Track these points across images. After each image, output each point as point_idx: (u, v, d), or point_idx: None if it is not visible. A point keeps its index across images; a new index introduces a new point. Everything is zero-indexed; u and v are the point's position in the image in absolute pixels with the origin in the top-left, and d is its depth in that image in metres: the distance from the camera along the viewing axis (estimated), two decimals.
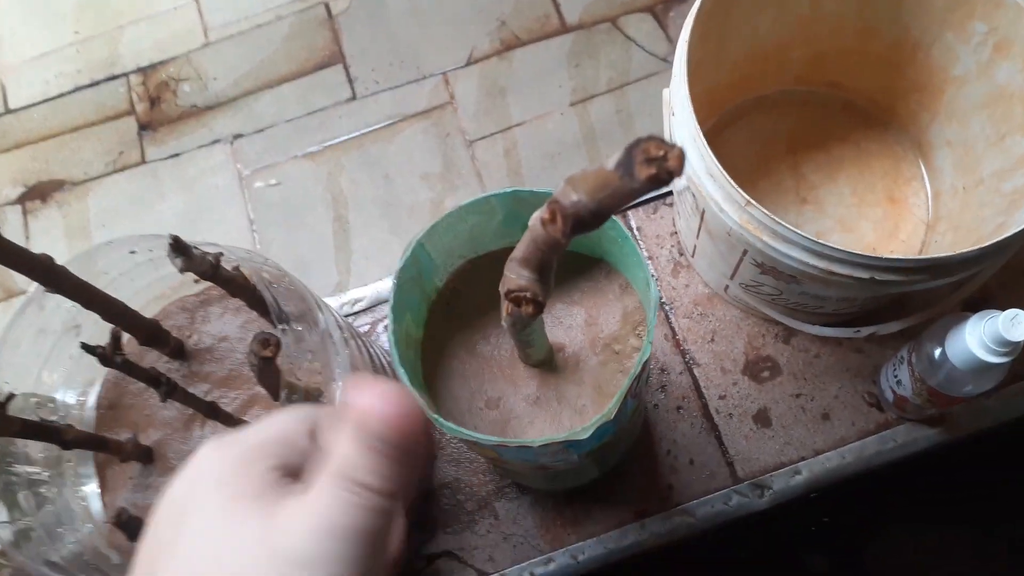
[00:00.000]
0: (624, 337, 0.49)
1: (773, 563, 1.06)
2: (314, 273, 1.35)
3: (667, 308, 0.71)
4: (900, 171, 0.72)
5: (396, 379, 0.44)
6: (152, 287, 0.61)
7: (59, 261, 1.42)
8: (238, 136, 1.46)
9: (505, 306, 0.36)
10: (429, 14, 1.52)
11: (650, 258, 0.73)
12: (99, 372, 0.63)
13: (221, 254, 0.51)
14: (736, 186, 0.51)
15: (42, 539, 0.54)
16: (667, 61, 1.46)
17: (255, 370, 0.46)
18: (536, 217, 0.31)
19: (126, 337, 0.58)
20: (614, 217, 0.49)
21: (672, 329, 0.71)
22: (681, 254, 0.73)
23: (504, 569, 0.66)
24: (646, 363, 0.42)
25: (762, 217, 0.50)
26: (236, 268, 0.54)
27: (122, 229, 1.41)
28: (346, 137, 1.44)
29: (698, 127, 0.52)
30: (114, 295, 0.58)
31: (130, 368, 0.50)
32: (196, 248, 0.49)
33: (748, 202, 0.51)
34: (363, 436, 0.22)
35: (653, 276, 0.52)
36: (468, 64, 1.48)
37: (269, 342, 0.45)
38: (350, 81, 1.48)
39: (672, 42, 1.48)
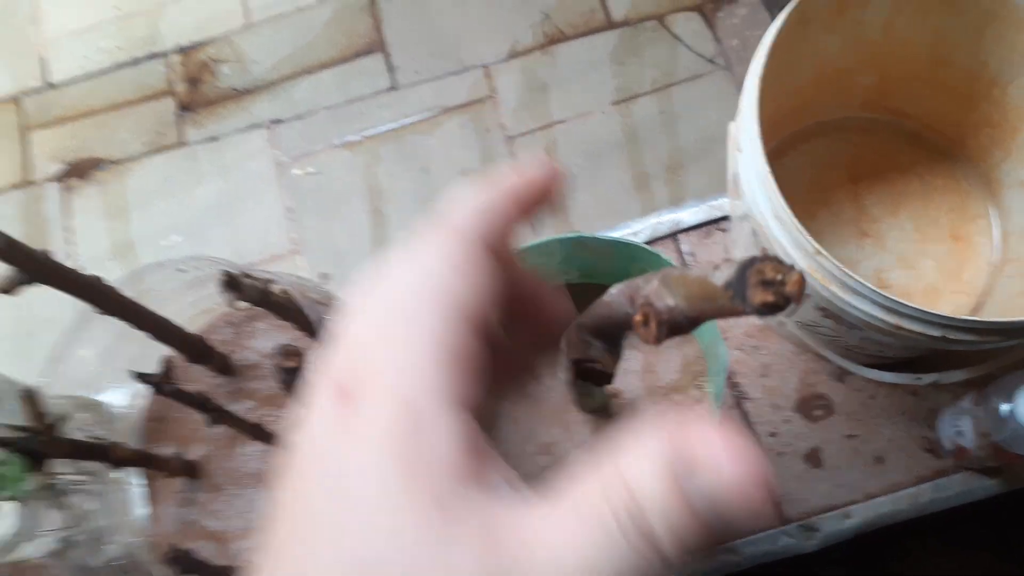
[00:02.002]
0: (684, 387, 0.48)
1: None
2: (350, 265, 1.35)
3: None
4: (966, 208, 0.70)
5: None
6: (199, 302, 0.60)
7: (99, 241, 1.43)
8: (276, 121, 1.45)
9: (570, 370, 0.35)
10: (472, 4, 1.49)
11: None
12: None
13: (271, 280, 0.50)
14: (806, 234, 0.49)
15: (87, 548, 0.54)
16: (714, 63, 1.43)
17: (281, 383, 0.45)
18: (616, 293, 0.29)
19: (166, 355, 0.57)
20: (662, 255, 0.47)
21: None
22: None
23: None
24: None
25: (831, 267, 0.49)
26: (283, 292, 0.53)
27: (159, 211, 1.41)
28: (385, 128, 1.42)
29: (768, 167, 0.50)
30: (163, 309, 0.57)
31: (181, 396, 0.49)
32: (247, 276, 0.48)
33: (818, 251, 0.49)
34: (687, 486, 0.15)
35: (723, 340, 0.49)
36: (510, 57, 1.46)
37: (292, 353, 0.44)
38: (390, 70, 1.46)
39: (720, 42, 1.45)
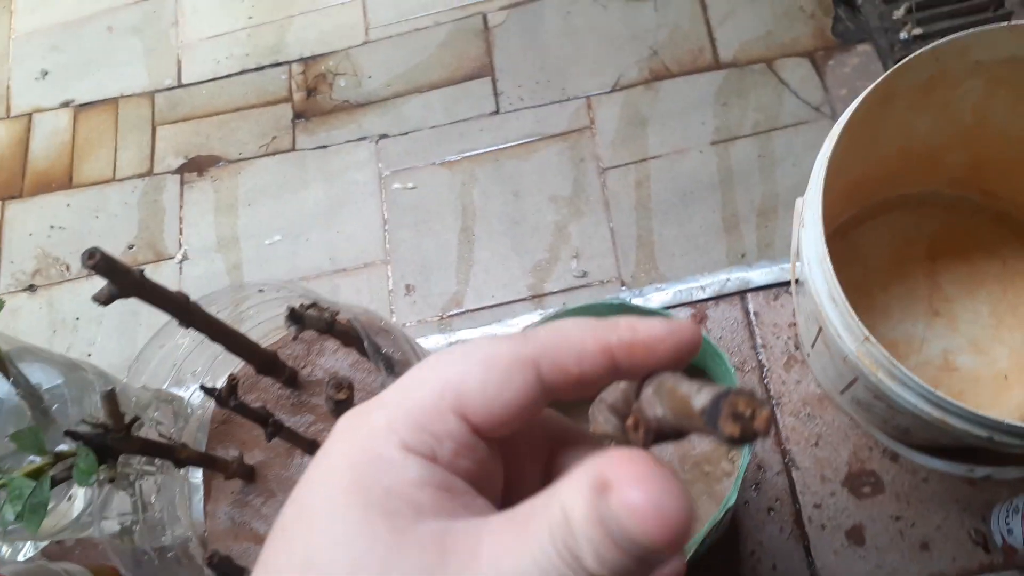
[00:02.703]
0: (716, 459, 0.49)
1: None
2: (435, 279, 1.39)
3: (774, 403, 0.70)
4: None
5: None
6: (276, 318, 0.64)
7: (207, 233, 1.52)
8: (383, 136, 1.51)
9: None
10: (583, 36, 1.52)
11: (763, 346, 0.71)
12: (219, 383, 0.68)
13: (337, 312, 0.54)
14: (857, 319, 0.49)
15: (143, 535, 0.58)
16: (820, 111, 1.41)
17: (332, 413, 0.49)
18: (626, 386, 0.31)
19: (241, 364, 0.61)
20: (711, 343, 0.48)
21: (776, 426, 0.69)
22: (797, 348, 0.71)
23: None
24: (730, 509, 0.41)
25: (879, 356, 0.48)
26: (348, 322, 0.57)
27: (265, 211, 1.49)
28: (484, 150, 1.46)
29: (826, 250, 0.50)
30: (244, 323, 0.62)
31: (243, 410, 0.53)
32: (313, 307, 0.52)
33: (867, 338, 0.49)
34: (601, 507, 0.16)
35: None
36: (613, 90, 1.47)
37: (343, 385, 0.48)
38: (496, 95, 1.50)
39: (828, 91, 1.43)
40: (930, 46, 0.53)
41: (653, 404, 0.28)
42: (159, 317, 0.67)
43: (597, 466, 0.17)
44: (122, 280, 0.47)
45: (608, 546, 0.16)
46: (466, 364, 0.21)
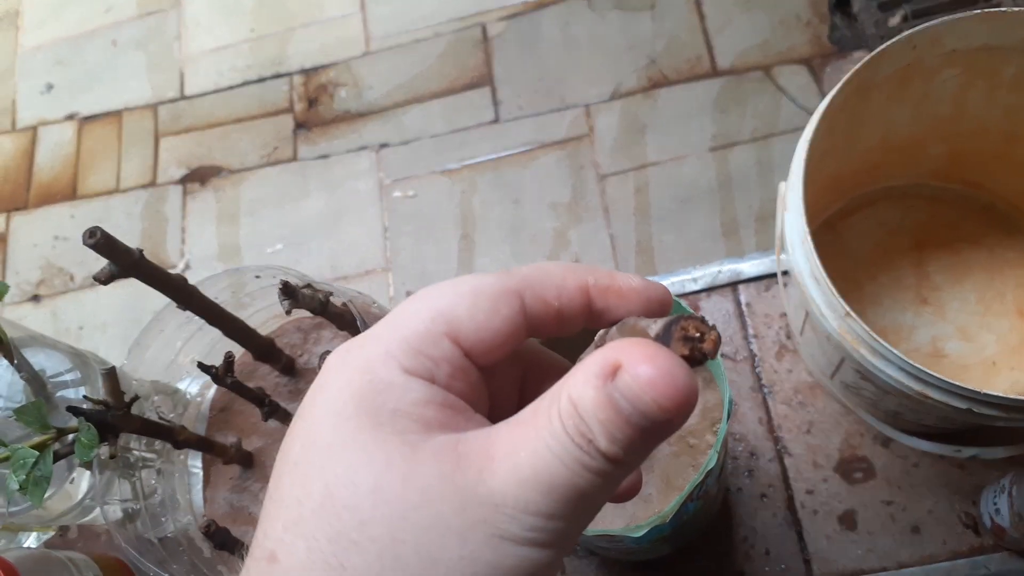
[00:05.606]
0: (701, 432, 0.49)
1: None
2: None
3: (766, 392, 0.70)
4: None
5: None
6: (273, 306, 0.65)
7: (209, 242, 1.55)
8: (384, 145, 1.53)
9: None
10: (581, 45, 1.54)
11: (755, 336, 0.72)
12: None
13: (331, 293, 0.55)
14: (837, 295, 0.50)
15: (146, 523, 0.59)
16: None
17: None
18: (597, 338, 0.32)
19: (240, 351, 0.63)
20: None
21: (768, 414, 0.70)
22: (788, 337, 0.72)
23: None
24: (711, 471, 0.42)
25: (860, 331, 0.49)
26: (344, 304, 0.58)
27: (267, 220, 1.50)
28: (484, 158, 1.48)
29: (807, 230, 0.52)
30: (241, 311, 0.63)
31: (239, 388, 0.54)
32: (309, 287, 0.53)
33: (848, 313, 0.50)
34: (621, 401, 0.18)
35: (732, 402, 0.51)
36: (612, 99, 1.49)
37: None
38: (495, 104, 1.52)
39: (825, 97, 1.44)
40: (905, 34, 0.54)
41: (615, 339, 0.29)
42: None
43: (603, 356, 0.18)
44: (122, 259, 0.48)
45: (620, 425, 0.18)
46: (455, 295, 0.22)
